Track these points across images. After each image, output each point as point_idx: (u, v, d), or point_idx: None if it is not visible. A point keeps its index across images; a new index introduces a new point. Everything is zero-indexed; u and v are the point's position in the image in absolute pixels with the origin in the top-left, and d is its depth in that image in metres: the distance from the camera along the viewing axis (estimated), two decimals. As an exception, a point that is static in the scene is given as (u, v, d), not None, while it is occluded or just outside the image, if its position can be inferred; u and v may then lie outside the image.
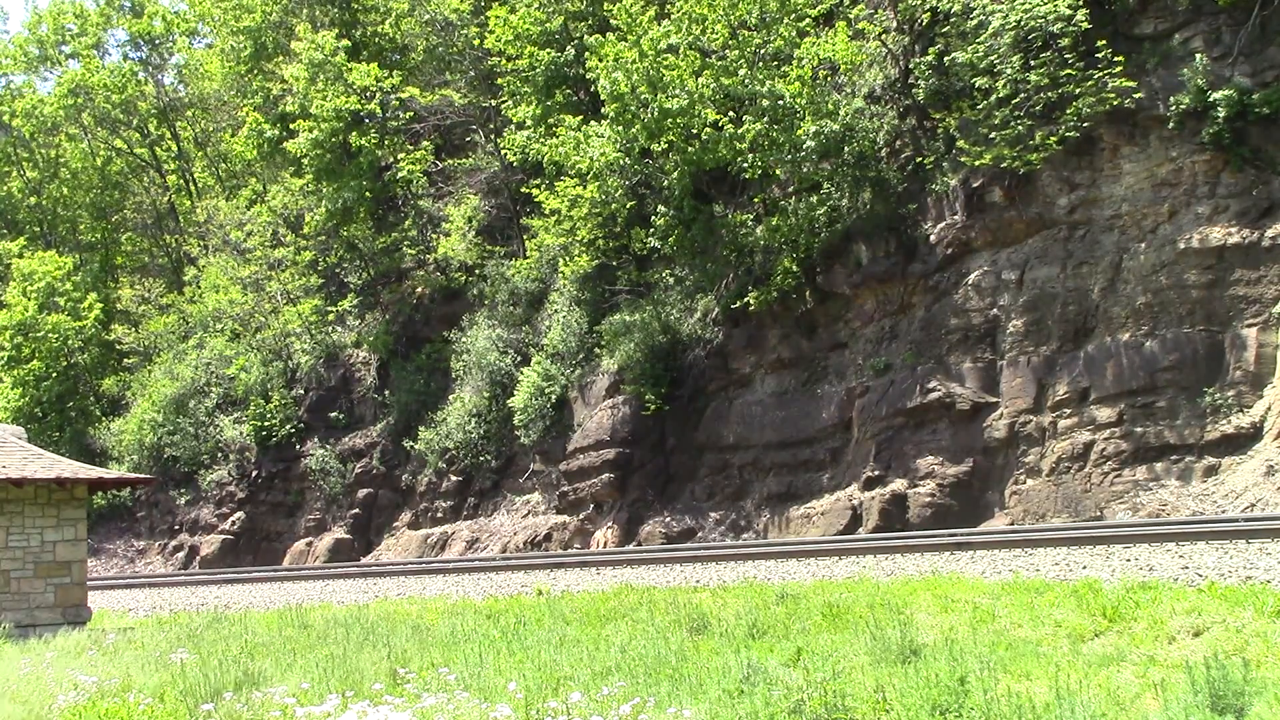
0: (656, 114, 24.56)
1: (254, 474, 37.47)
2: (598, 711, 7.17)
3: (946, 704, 7.61)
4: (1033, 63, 20.92)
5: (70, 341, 44.37)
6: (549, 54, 30.33)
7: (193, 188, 51.22)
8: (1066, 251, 21.49)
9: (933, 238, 23.34)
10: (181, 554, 37.76)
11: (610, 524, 26.62)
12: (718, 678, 8.78)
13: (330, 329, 38.70)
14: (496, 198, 36.00)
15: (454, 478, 32.29)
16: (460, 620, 13.88)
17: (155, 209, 51.83)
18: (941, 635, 10.29)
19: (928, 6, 23.27)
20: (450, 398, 33.27)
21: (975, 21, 21.87)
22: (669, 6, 26.41)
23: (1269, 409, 18.54)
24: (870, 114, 24.75)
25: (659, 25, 25.57)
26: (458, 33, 36.73)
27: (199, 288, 42.53)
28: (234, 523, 36.91)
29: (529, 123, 30.25)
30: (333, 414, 36.90)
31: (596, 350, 28.92)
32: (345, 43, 37.08)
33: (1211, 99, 19.61)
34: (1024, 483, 20.97)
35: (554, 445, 29.53)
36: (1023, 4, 21.00)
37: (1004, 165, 21.40)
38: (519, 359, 31.74)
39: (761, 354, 26.02)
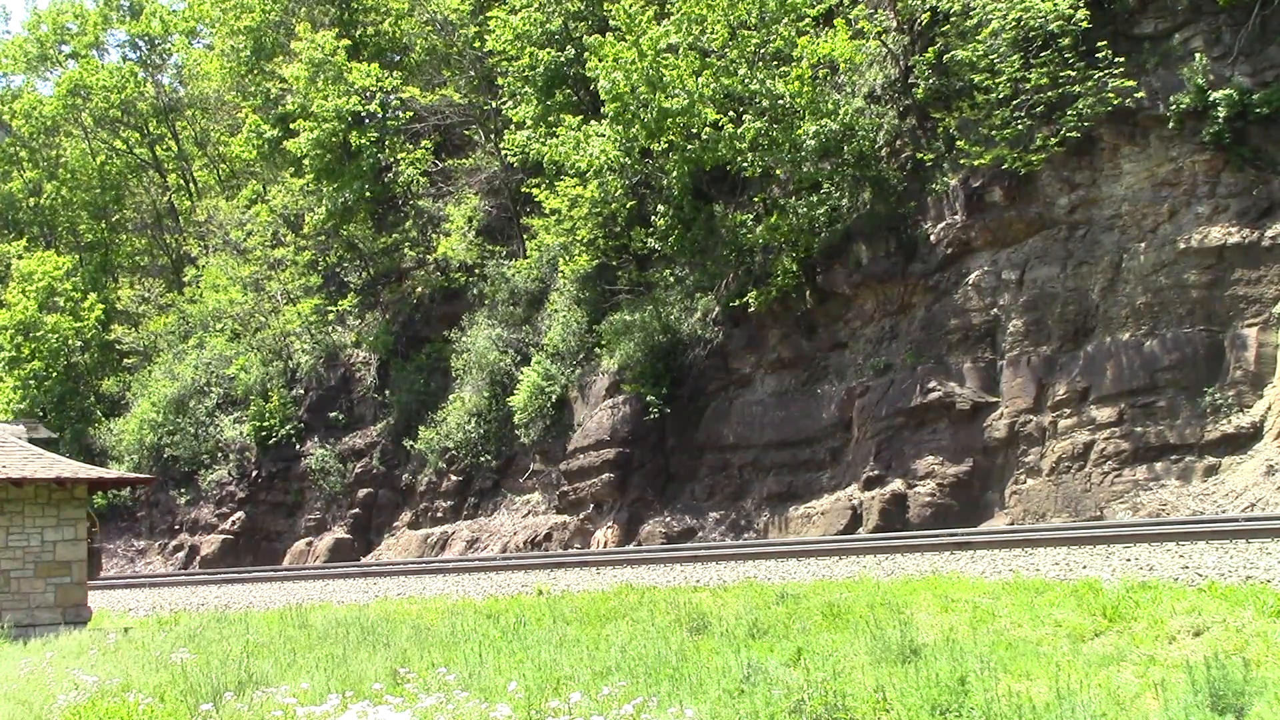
0: (656, 114, 24.55)
1: (254, 474, 37.47)
2: (598, 711, 7.16)
3: (946, 704, 7.62)
4: (1033, 62, 20.92)
5: (70, 341, 44.36)
6: (549, 54, 30.32)
7: (192, 188, 51.22)
8: (1066, 251, 21.48)
9: (933, 238, 23.34)
10: (182, 554, 37.77)
11: (610, 524, 26.62)
12: (718, 678, 8.78)
13: (330, 329, 38.70)
14: (496, 198, 36.00)
15: (454, 477, 32.29)
16: (460, 620, 13.86)
17: (155, 209, 51.83)
18: (941, 635, 10.29)
19: (928, 6, 23.26)
20: (450, 398, 33.26)
21: (975, 21, 21.87)
22: (669, 6, 26.39)
23: (1269, 409, 18.54)
24: (870, 114, 24.73)
25: (659, 25, 25.56)
26: (458, 32, 36.73)
27: (199, 288, 42.54)
28: (234, 522, 36.92)
29: (529, 123, 30.23)
30: (333, 414, 36.90)
31: (596, 350, 28.92)
32: (345, 42, 37.08)
33: (1211, 99, 19.60)
34: (1024, 482, 20.97)
35: (554, 445, 29.52)
36: (1022, 3, 20.99)
37: (1004, 165, 21.40)
38: (519, 359, 31.73)
39: (761, 354, 26.01)
